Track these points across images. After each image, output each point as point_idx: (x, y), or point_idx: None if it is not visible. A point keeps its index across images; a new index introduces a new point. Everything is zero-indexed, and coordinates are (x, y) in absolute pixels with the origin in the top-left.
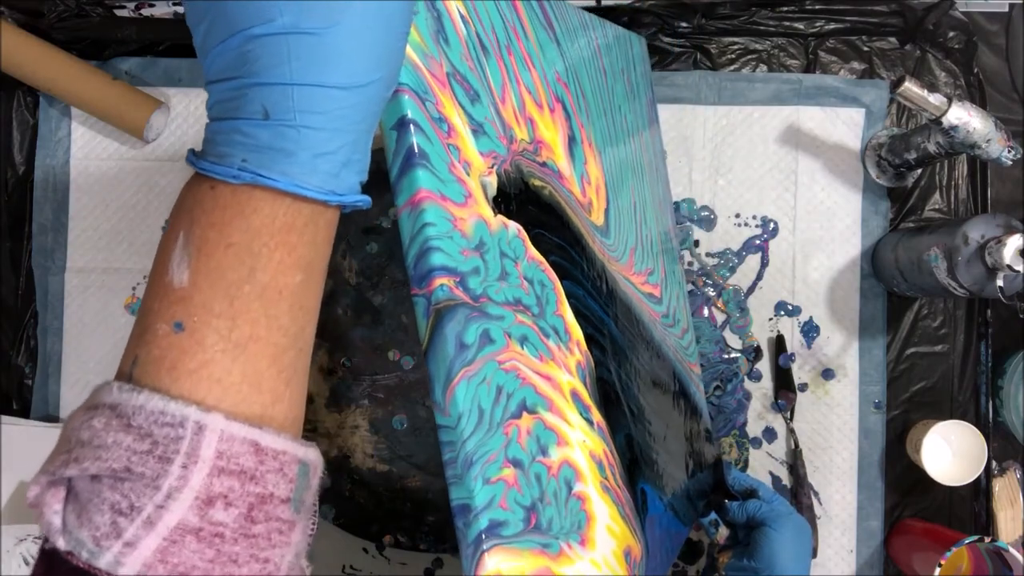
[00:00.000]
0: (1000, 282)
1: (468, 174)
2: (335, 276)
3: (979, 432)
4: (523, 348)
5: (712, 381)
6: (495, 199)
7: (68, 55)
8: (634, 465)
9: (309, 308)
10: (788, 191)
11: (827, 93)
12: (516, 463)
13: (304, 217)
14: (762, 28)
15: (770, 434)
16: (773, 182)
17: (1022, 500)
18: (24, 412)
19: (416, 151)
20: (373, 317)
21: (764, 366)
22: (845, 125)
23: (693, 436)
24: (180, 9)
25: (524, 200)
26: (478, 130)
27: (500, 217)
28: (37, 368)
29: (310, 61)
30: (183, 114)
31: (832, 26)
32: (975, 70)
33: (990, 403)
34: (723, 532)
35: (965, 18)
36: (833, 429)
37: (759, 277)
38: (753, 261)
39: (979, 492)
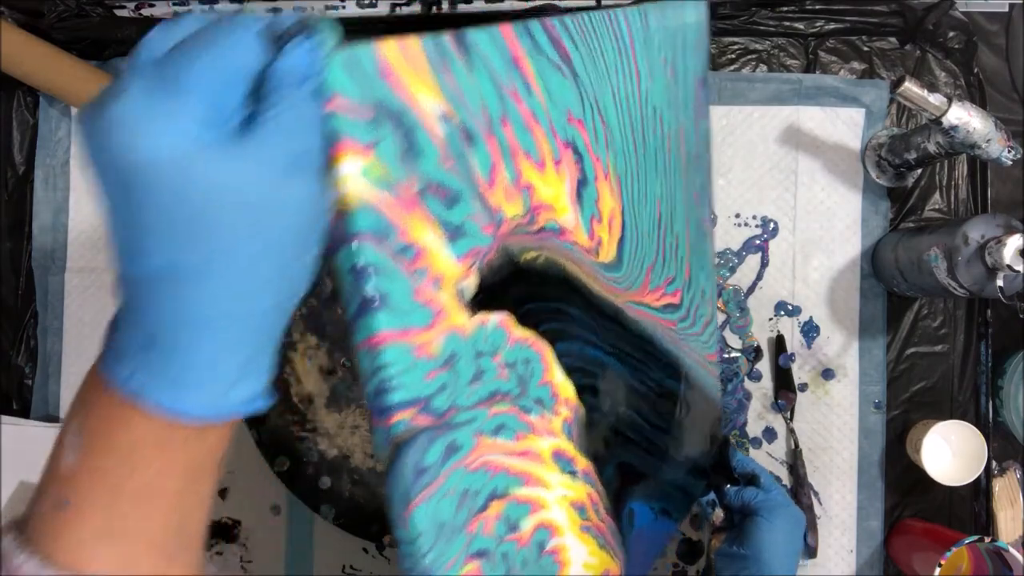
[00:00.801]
0: (1000, 282)
1: (440, 288)
2: (336, 276)
3: (979, 432)
4: (497, 438)
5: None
6: (474, 298)
7: (68, 55)
8: (623, 490)
9: (193, 504)
10: (788, 191)
11: (827, 93)
12: (480, 554)
13: (182, 435)
14: (762, 28)
15: (770, 434)
16: (773, 182)
17: (1022, 500)
18: (24, 412)
19: (371, 297)
20: None
21: (764, 366)
22: (845, 125)
23: (700, 426)
24: (180, 9)
25: (513, 280)
26: (455, 234)
27: (478, 316)
28: (37, 368)
29: (193, 298)
30: None
31: (832, 26)
32: (975, 70)
33: (990, 403)
34: (719, 514)
35: (965, 18)
36: (833, 429)
37: (759, 277)
38: (753, 261)
39: (979, 492)
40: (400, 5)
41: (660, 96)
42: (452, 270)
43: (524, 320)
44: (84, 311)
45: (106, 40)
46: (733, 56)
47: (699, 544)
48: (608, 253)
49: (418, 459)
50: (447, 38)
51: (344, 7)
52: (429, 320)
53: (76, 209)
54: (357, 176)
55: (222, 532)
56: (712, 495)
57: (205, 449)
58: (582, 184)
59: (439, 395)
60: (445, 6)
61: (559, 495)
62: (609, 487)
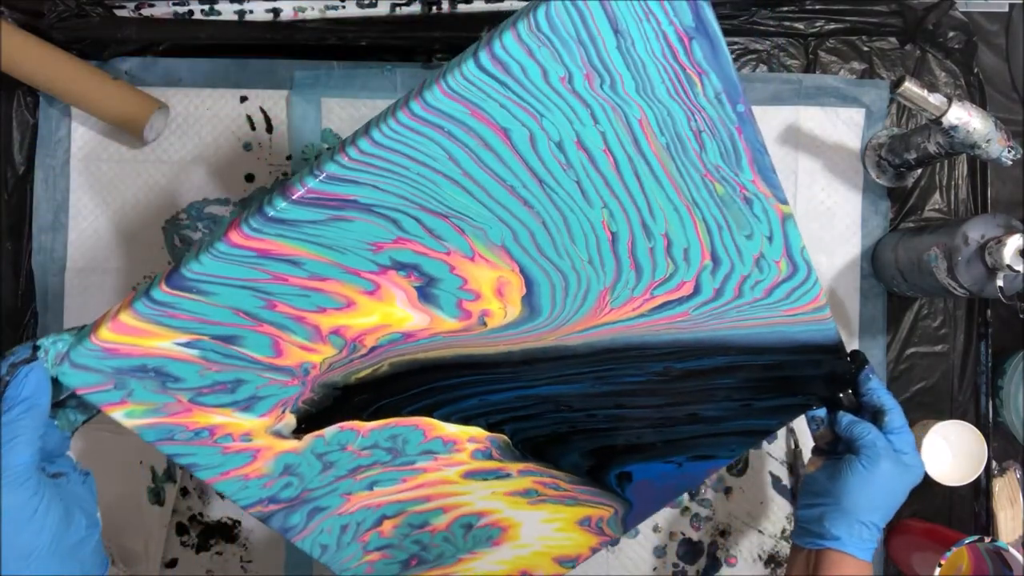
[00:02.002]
0: (1000, 282)
1: (251, 439)
2: None
3: (979, 432)
4: (374, 489)
5: None
6: (297, 429)
7: (68, 55)
8: (600, 466)
9: None
10: (788, 191)
11: (827, 93)
12: (383, 547)
13: None
14: (762, 28)
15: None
16: None
17: (1022, 500)
18: None
19: (184, 466)
20: None
21: None
22: (845, 125)
23: (766, 373)
24: (180, 9)
25: (350, 396)
26: (249, 404)
27: (309, 435)
28: None
29: None
30: (183, 114)
31: (832, 26)
32: (975, 70)
33: (990, 403)
34: (823, 433)
35: (965, 18)
36: None
37: None
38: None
39: (979, 492)
40: (400, 5)
41: (563, 124)
42: (257, 425)
43: (380, 413)
44: (84, 311)
45: (106, 40)
46: (733, 56)
47: (699, 544)
48: (506, 316)
49: (280, 524)
50: (162, 289)
51: (344, 7)
52: (249, 459)
53: (76, 209)
54: (123, 419)
55: (222, 532)
56: (824, 411)
57: None
58: (428, 285)
59: (284, 490)
60: (445, 6)
61: (486, 494)
62: (578, 469)
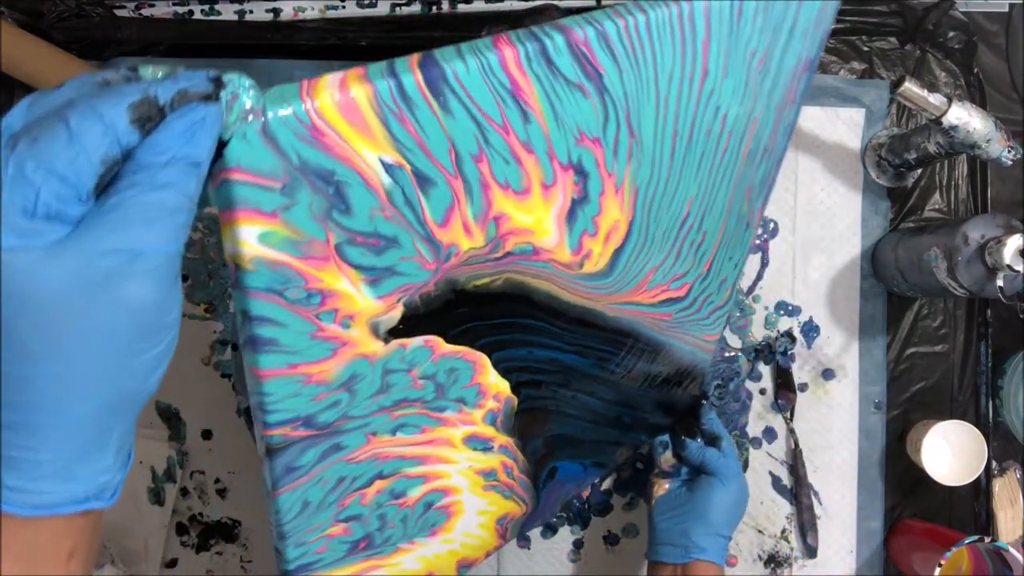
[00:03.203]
0: (1000, 282)
1: (349, 326)
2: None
3: (979, 432)
4: (397, 434)
5: (713, 380)
6: (395, 328)
7: (68, 55)
8: (549, 454)
9: None
10: (788, 191)
11: (827, 93)
12: (351, 519)
13: (9, 524)
14: None
15: (770, 434)
16: None
17: (1022, 500)
18: None
19: (256, 339)
20: None
21: (764, 366)
22: (845, 125)
23: (674, 394)
24: (180, 9)
25: (453, 306)
26: (381, 276)
27: (396, 342)
28: None
29: (8, 395)
30: None
31: (832, 26)
32: (975, 70)
33: (990, 403)
34: (669, 458)
35: (965, 18)
36: (833, 429)
37: (759, 277)
38: (753, 261)
39: (979, 492)
40: (400, 5)
41: (731, 93)
42: (368, 308)
43: (462, 337)
44: None
45: (106, 40)
46: None
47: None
48: (596, 263)
49: (289, 461)
50: (416, 80)
51: (344, 7)
52: (329, 353)
53: None
54: (253, 241)
55: (222, 532)
56: (666, 437)
57: (39, 542)
58: (578, 203)
59: (327, 411)
60: (445, 6)
61: (464, 467)
62: (535, 454)
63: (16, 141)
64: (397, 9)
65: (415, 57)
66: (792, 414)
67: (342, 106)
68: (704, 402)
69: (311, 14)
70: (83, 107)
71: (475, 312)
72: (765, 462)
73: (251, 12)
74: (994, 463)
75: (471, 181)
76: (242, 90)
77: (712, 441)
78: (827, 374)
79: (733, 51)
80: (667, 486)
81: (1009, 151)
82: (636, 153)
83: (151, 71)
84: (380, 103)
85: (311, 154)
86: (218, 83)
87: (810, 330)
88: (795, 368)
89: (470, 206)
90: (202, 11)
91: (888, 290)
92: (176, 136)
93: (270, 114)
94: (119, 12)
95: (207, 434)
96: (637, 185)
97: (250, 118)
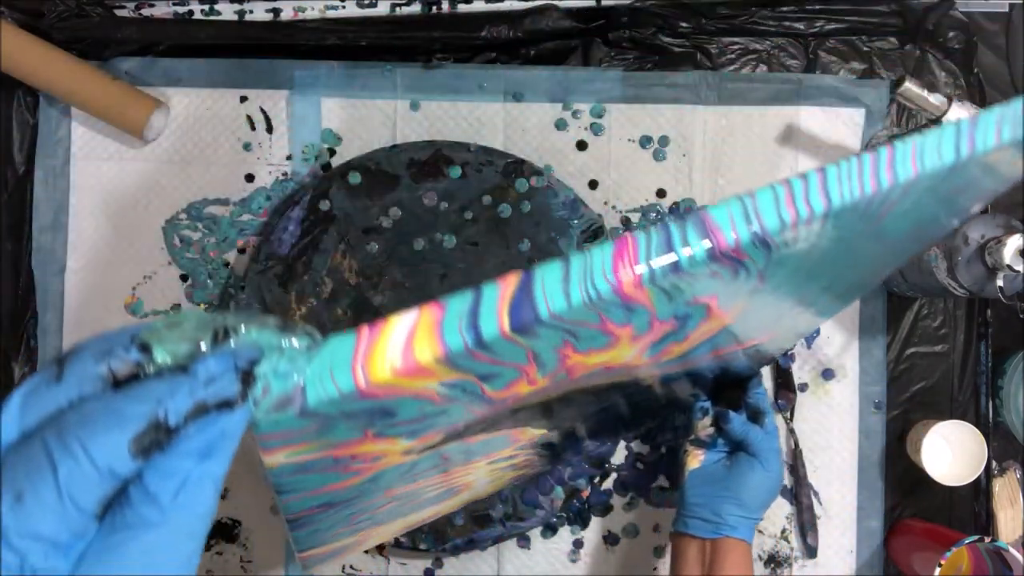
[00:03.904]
0: (1000, 282)
1: (381, 459)
2: (335, 276)
3: (979, 432)
4: (416, 481)
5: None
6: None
7: (68, 55)
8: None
9: None
10: None
11: (827, 93)
12: (363, 521)
13: None
14: (762, 28)
15: None
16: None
17: (1022, 500)
18: None
19: (282, 489)
20: (373, 317)
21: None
22: (845, 125)
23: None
24: (180, 9)
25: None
26: (422, 428)
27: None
28: (37, 368)
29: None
30: (183, 114)
31: (832, 26)
32: (975, 70)
33: (990, 403)
34: (705, 423)
35: (965, 18)
36: (833, 429)
37: None
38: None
39: (979, 492)
40: (400, 5)
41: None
42: (405, 446)
43: (504, 423)
44: (84, 311)
45: (106, 40)
46: (733, 56)
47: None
48: (674, 354)
49: (309, 525)
50: (501, 330)
51: (344, 7)
52: (355, 474)
53: (76, 209)
54: (280, 460)
55: (222, 532)
56: (707, 403)
57: None
58: (672, 334)
59: (350, 498)
60: (445, 6)
61: (483, 470)
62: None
63: (15, 458)
64: (397, 9)
65: (506, 298)
66: (792, 414)
67: (405, 370)
68: (756, 375)
69: (311, 14)
70: (75, 449)
71: (523, 414)
72: None
73: (251, 12)
74: (994, 463)
75: (547, 363)
76: (276, 380)
77: (755, 417)
78: (827, 374)
79: (926, 191)
80: (702, 457)
81: None
82: (758, 288)
83: (164, 354)
84: (450, 359)
85: (356, 405)
86: (247, 381)
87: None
88: (795, 368)
89: (540, 372)
90: (202, 11)
91: (888, 290)
92: (190, 455)
93: (311, 398)
94: (119, 12)
95: None
96: (747, 304)
97: (288, 408)
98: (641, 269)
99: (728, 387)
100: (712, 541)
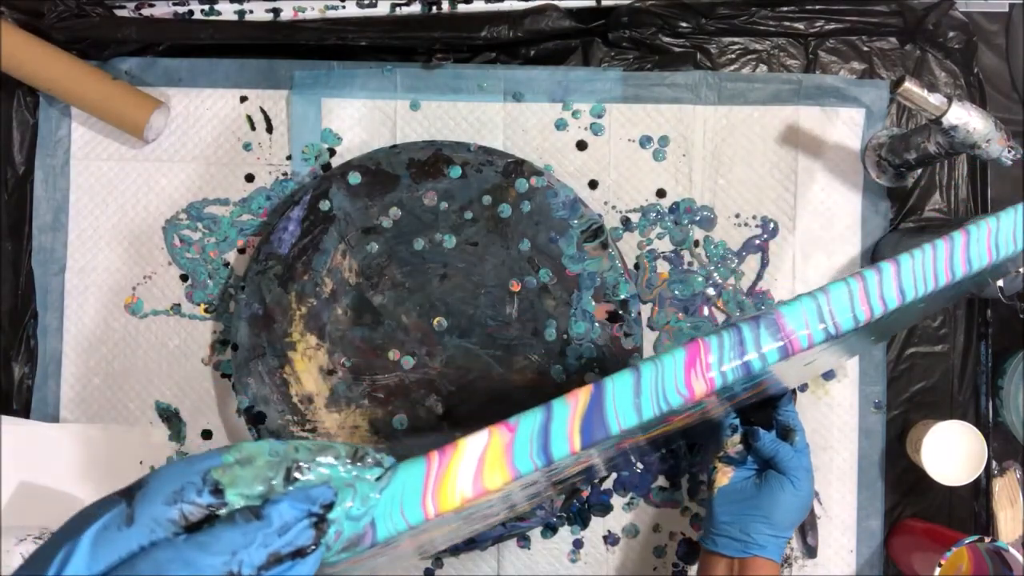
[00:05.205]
0: (1000, 282)
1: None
2: (335, 276)
3: (979, 432)
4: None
5: None
6: None
7: (68, 55)
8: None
9: None
10: (788, 191)
11: (827, 93)
12: None
13: None
14: (762, 28)
15: None
16: (773, 182)
17: (1022, 500)
18: (24, 412)
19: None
20: (373, 317)
21: None
22: (845, 125)
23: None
24: (180, 9)
25: None
26: None
27: None
28: (37, 368)
29: None
30: (183, 114)
31: (832, 26)
32: (975, 70)
33: (990, 403)
34: (734, 441)
35: (965, 18)
36: (833, 429)
37: (759, 277)
38: (753, 261)
39: (979, 492)
40: (400, 5)
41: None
42: None
43: None
44: (84, 311)
45: (106, 40)
46: (733, 56)
47: (699, 544)
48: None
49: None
50: (571, 449)
51: (344, 7)
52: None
53: (76, 209)
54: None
55: None
56: (736, 419)
57: None
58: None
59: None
60: (445, 6)
61: None
62: None
63: None
64: (397, 9)
65: (577, 417)
66: None
67: (471, 500)
68: (789, 392)
69: (311, 14)
70: None
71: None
72: None
73: (251, 12)
74: (994, 463)
75: (606, 449)
76: (348, 523)
77: (785, 434)
78: (827, 374)
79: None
80: (731, 474)
81: (1009, 151)
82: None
83: (237, 497)
84: (518, 480)
85: (419, 528)
86: (321, 527)
87: None
88: None
89: (596, 456)
90: (202, 11)
91: None
92: None
93: (381, 534)
94: (119, 12)
95: (207, 434)
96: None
97: (358, 547)
98: (714, 376)
99: (758, 404)
100: (740, 560)
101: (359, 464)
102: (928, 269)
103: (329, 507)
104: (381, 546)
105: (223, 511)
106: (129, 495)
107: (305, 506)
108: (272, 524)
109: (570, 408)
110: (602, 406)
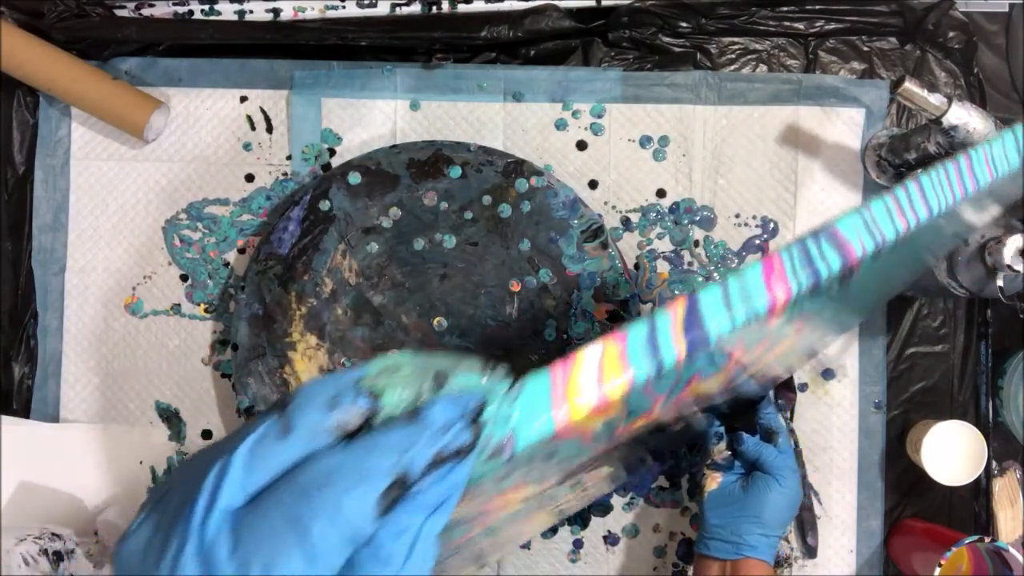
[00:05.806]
0: (1000, 282)
1: None
2: (335, 276)
3: (979, 432)
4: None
5: None
6: None
7: (68, 55)
8: None
9: None
10: (788, 191)
11: (827, 93)
12: None
13: None
14: (762, 28)
15: None
16: (773, 182)
17: (1022, 500)
18: (24, 412)
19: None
20: (373, 317)
21: None
22: (845, 125)
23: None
24: (180, 9)
25: None
26: None
27: None
28: (37, 368)
29: None
30: (183, 114)
31: (832, 26)
32: (975, 70)
33: (990, 403)
34: (720, 448)
35: (965, 18)
36: (833, 429)
37: None
38: (753, 261)
39: (979, 492)
40: (400, 5)
41: (888, 266)
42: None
43: None
44: (84, 311)
45: (106, 40)
46: (733, 56)
47: None
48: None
49: None
50: (677, 357)
51: (344, 7)
52: None
53: (76, 209)
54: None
55: None
56: (720, 427)
57: None
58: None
59: None
60: (445, 6)
61: None
62: None
63: (249, 520)
64: (397, 9)
65: (679, 323)
66: (792, 414)
67: (596, 410)
68: (766, 397)
69: (311, 14)
70: (326, 513)
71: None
72: None
73: (251, 12)
74: (994, 463)
75: (673, 393)
76: (497, 426)
77: (768, 436)
78: (827, 374)
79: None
80: (720, 479)
81: None
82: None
83: (396, 398)
84: (632, 390)
85: (541, 449)
86: (476, 427)
87: None
88: None
89: (662, 405)
90: (202, 11)
91: None
92: (421, 511)
93: (520, 444)
94: (119, 12)
95: (207, 434)
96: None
97: (500, 456)
98: (792, 284)
99: (740, 411)
100: (733, 562)
101: (492, 375)
102: (944, 185)
103: (480, 410)
104: (512, 465)
105: (379, 417)
106: (281, 407)
107: (459, 408)
108: (434, 424)
109: (671, 316)
110: (699, 313)
